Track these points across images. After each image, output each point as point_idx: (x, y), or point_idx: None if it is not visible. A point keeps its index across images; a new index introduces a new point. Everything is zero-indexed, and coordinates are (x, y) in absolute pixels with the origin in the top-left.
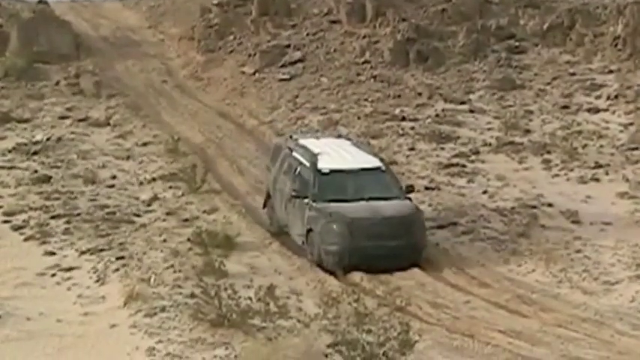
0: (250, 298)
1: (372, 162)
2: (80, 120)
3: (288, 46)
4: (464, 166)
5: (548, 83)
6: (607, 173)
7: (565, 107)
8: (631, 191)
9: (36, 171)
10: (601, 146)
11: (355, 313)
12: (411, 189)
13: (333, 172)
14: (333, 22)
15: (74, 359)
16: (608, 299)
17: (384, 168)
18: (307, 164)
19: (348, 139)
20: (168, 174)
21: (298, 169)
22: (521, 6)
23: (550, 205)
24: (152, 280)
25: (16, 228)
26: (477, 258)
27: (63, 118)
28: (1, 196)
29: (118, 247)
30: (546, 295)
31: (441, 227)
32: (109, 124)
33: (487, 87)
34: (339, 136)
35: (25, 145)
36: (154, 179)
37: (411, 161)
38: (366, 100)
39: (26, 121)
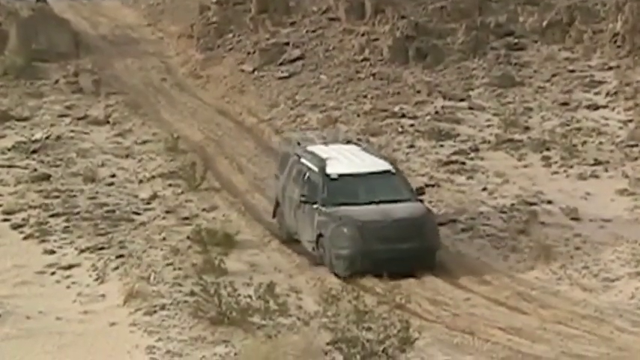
0: (250, 296)
1: (382, 165)
2: (79, 118)
3: (287, 43)
4: (463, 163)
5: (548, 80)
6: (606, 170)
7: (564, 104)
8: (630, 188)
9: (35, 169)
10: (600, 143)
11: (355, 311)
12: (422, 191)
13: (342, 176)
14: (332, 19)
15: (74, 357)
16: (607, 296)
17: (393, 171)
18: (316, 169)
19: (357, 145)
20: (168, 172)
21: (307, 174)
22: (520, 3)
23: (549, 202)
24: (152, 278)
25: (16, 226)
26: (476, 255)
27: (62, 116)
28: (1, 195)
29: (118, 246)
30: (546, 292)
31: (440, 224)
32: (108, 122)
33: (486, 84)
34: (349, 142)
35: (25, 143)
36: (153, 177)
37: (410, 158)
38: (365, 97)
39: (25, 119)
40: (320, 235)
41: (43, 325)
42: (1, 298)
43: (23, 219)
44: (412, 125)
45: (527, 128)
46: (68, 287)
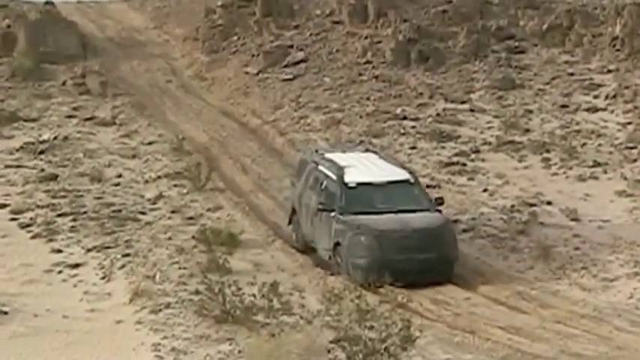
0: (254, 295)
1: (401, 174)
2: (86, 119)
3: (291, 46)
4: (464, 164)
5: (548, 83)
6: (605, 172)
7: (564, 106)
8: (629, 189)
9: (43, 169)
10: (599, 145)
11: (357, 310)
12: (440, 201)
13: (360, 185)
14: (336, 22)
15: (81, 354)
16: (606, 296)
17: (412, 180)
18: (334, 177)
19: (375, 153)
20: (173, 172)
21: (325, 182)
22: (521, 7)
23: (549, 203)
24: (157, 277)
25: (24, 226)
26: (477, 255)
27: (69, 117)
28: (9, 195)
29: (124, 245)
30: (545, 292)
31: None
32: (114, 123)
33: (487, 87)
34: (367, 150)
35: (33, 144)
36: (159, 177)
37: (412, 160)
38: (367, 99)
39: (33, 120)
40: (337, 244)
41: (51, 322)
42: (9, 296)
43: (31, 218)
44: (414, 127)
45: (527, 130)
46: (75, 286)
